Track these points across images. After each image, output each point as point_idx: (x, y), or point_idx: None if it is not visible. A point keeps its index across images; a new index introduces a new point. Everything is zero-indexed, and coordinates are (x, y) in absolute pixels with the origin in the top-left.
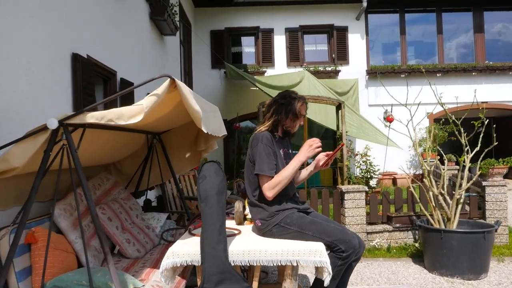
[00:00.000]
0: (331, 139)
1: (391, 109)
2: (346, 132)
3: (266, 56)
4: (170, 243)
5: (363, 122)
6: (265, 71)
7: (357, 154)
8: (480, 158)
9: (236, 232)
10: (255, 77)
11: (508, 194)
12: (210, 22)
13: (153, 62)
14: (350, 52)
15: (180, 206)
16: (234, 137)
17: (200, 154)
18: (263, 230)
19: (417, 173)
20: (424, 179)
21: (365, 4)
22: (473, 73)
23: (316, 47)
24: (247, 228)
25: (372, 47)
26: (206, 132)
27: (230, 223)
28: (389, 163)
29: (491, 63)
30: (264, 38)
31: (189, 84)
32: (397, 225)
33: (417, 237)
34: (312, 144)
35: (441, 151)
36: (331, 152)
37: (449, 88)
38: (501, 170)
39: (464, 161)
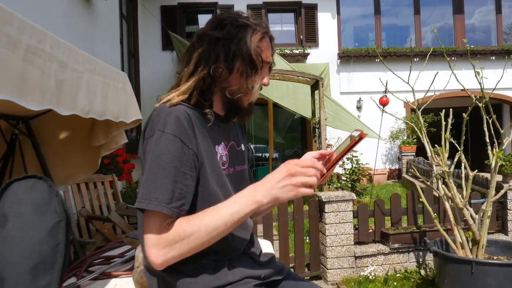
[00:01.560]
0: (298, 132)
1: (386, 88)
2: (326, 119)
3: None
4: None
5: (339, 109)
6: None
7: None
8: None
9: None
10: None
11: None
12: None
13: (75, 35)
14: (320, 33)
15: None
16: None
17: (99, 152)
18: None
19: (393, 168)
20: (438, 184)
21: None
22: (453, 58)
23: (282, 27)
24: None
25: (344, 28)
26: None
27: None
28: (363, 156)
29: (472, 46)
30: None
31: (135, 67)
32: (396, 245)
33: (421, 260)
34: (296, 173)
35: (447, 147)
36: (330, 152)
37: (427, 74)
38: None
39: (490, 159)
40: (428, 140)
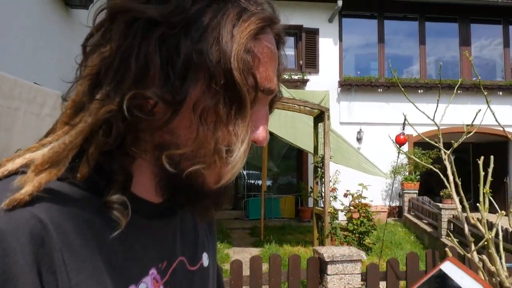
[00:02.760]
0: (293, 158)
1: (404, 125)
2: (331, 157)
3: None
4: None
5: (341, 142)
6: None
7: (346, 195)
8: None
9: None
10: None
11: None
12: None
13: (52, 45)
14: (320, 59)
15: None
16: None
17: None
18: None
19: (394, 205)
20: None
21: (340, 3)
22: (459, 91)
23: None
24: None
25: (346, 55)
26: None
27: None
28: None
29: (480, 80)
30: None
31: None
32: None
33: None
34: None
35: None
36: None
37: (432, 107)
38: None
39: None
40: (460, 193)
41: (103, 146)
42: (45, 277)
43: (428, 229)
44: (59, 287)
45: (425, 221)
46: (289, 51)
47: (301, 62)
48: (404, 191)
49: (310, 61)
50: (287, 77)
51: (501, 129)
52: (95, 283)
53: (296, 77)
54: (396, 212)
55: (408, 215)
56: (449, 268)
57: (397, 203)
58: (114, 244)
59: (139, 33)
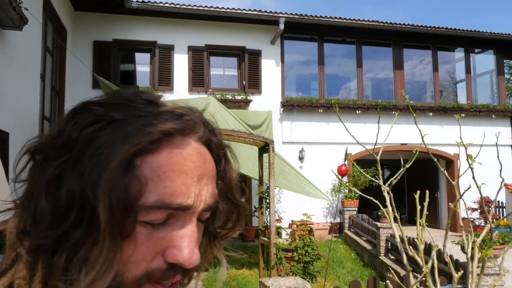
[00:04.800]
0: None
1: (346, 151)
2: (276, 186)
3: (163, 78)
4: None
5: (284, 165)
6: (162, 96)
7: (291, 226)
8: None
9: None
10: None
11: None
12: (93, 31)
13: None
14: (263, 80)
15: None
16: None
17: None
18: None
19: (335, 222)
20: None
21: (282, 26)
22: (393, 112)
23: (224, 71)
24: None
25: (288, 75)
26: None
27: None
28: (303, 210)
29: (411, 102)
30: (162, 56)
31: (59, 106)
32: None
33: None
34: None
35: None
36: None
37: (369, 127)
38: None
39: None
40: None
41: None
42: None
43: (368, 246)
44: None
45: (364, 238)
46: (233, 71)
47: (244, 82)
48: (345, 209)
49: (253, 82)
50: (230, 98)
51: (432, 147)
52: None
53: (239, 97)
54: (337, 229)
55: (348, 232)
56: None
57: (338, 220)
58: None
59: (38, 173)
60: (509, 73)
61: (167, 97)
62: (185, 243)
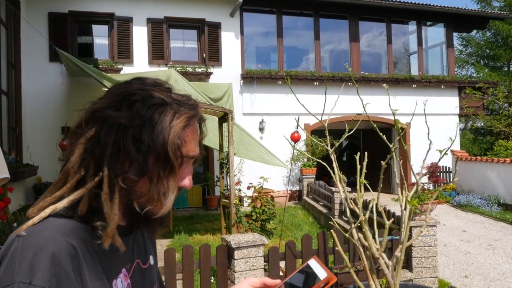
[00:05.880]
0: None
1: (298, 120)
2: (235, 153)
3: (122, 51)
4: None
5: (244, 135)
6: (121, 69)
7: (250, 187)
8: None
9: None
10: (107, 74)
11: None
12: (48, 1)
13: None
14: (223, 52)
15: None
16: None
17: None
18: None
19: (294, 189)
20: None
21: None
22: (349, 84)
23: (184, 44)
24: None
25: (247, 48)
26: None
27: None
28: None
29: (366, 73)
30: (121, 28)
31: (16, 80)
32: None
33: None
34: None
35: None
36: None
37: (327, 97)
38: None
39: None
40: (343, 180)
41: (88, 202)
42: (77, 277)
43: (324, 210)
44: (84, 286)
45: (321, 203)
46: (193, 44)
47: (204, 55)
48: (303, 177)
49: (213, 54)
50: (191, 70)
51: (386, 117)
52: (99, 280)
53: (199, 70)
54: (296, 196)
55: (306, 198)
56: (313, 263)
57: (297, 188)
58: (102, 254)
59: (113, 130)
60: (461, 45)
61: (127, 70)
62: (190, 176)
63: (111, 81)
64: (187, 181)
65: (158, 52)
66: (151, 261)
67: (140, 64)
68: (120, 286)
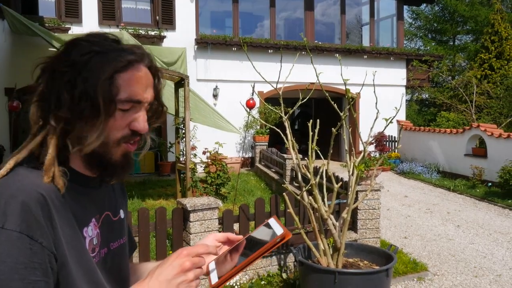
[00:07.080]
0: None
1: (253, 87)
2: (191, 119)
3: (70, 9)
4: None
5: (199, 101)
6: (69, 28)
7: (205, 152)
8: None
9: None
10: (55, 34)
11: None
12: None
13: None
14: (177, 16)
15: None
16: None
17: None
18: None
19: (247, 156)
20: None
21: None
22: (303, 52)
23: (136, 5)
24: None
25: (202, 12)
26: None
27: None
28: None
29: (320, 43)
30: None
31: None
32: None
33: (282, 263)
34: (190, 268)
35: (292, 140)
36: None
37: (279, 66)
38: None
39: (351, 164)
40: (295, 144)
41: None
42: (47, 223)
43: (276, 176)
44: (55, 231)
45: (273, 170)
46: (145, 5)
47: (157, 17)
48: (256, 144)
49: (166, 17)
50: (143, 33)
51: (337, 87)
52: (67, 230)
53: (153, 33)
54: (249, 163)
55: (259, 165)
56: (272, 222)
57: (250, 155)
58: (72, 203)
59: (54, 77)
60: (411, 18)
61: (75, 31)
62: (141, 119)
63: (60, 41)
64: (140, 124)
65: (109, 12)
66: (122, 215)
67: (89, 24)
68: (90, 234)
